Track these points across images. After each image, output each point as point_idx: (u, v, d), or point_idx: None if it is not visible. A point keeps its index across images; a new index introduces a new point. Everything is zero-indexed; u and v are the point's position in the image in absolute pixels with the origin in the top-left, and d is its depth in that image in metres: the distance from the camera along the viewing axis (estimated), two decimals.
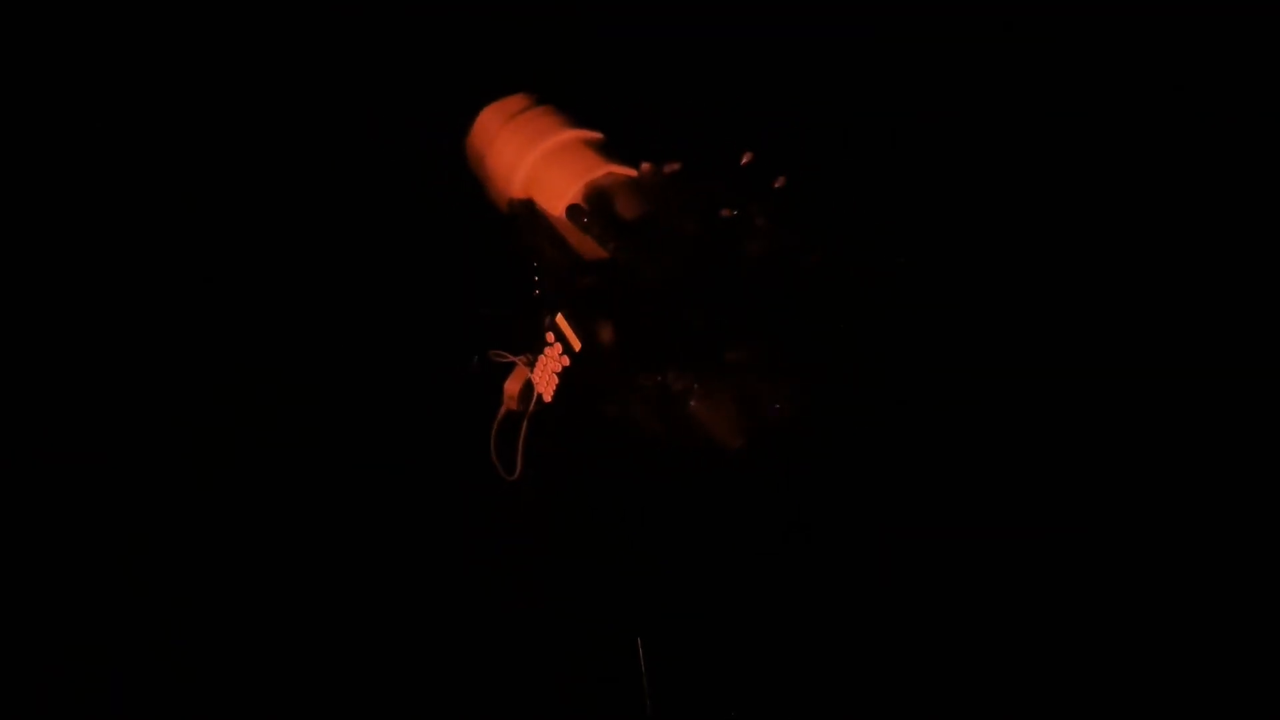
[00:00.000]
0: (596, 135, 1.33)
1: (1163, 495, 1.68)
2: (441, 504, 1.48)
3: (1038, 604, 1.61)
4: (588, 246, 1.19)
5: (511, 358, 1.25)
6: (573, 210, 1.16)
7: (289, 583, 1.55)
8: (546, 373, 1.19)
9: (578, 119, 1.34)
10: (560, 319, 1.14)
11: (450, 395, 1.39)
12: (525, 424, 1.24)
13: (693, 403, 1.09)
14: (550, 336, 1.16)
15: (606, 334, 1.11)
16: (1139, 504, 1.68)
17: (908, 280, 1.52)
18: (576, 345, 1.13)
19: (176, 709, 1.48)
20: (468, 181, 1.37)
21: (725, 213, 1.18)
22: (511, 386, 1.26)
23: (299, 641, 1.53)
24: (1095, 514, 1.67)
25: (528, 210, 1.31)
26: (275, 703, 1.49)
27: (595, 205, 1.21)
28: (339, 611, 1.54)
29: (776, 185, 1.21)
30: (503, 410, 1.28)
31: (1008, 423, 1.65)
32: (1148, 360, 1.72)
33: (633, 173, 1.23)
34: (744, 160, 1.23)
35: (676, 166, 1.18)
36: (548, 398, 1.20)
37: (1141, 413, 1.71)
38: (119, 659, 1.50)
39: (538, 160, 1.29)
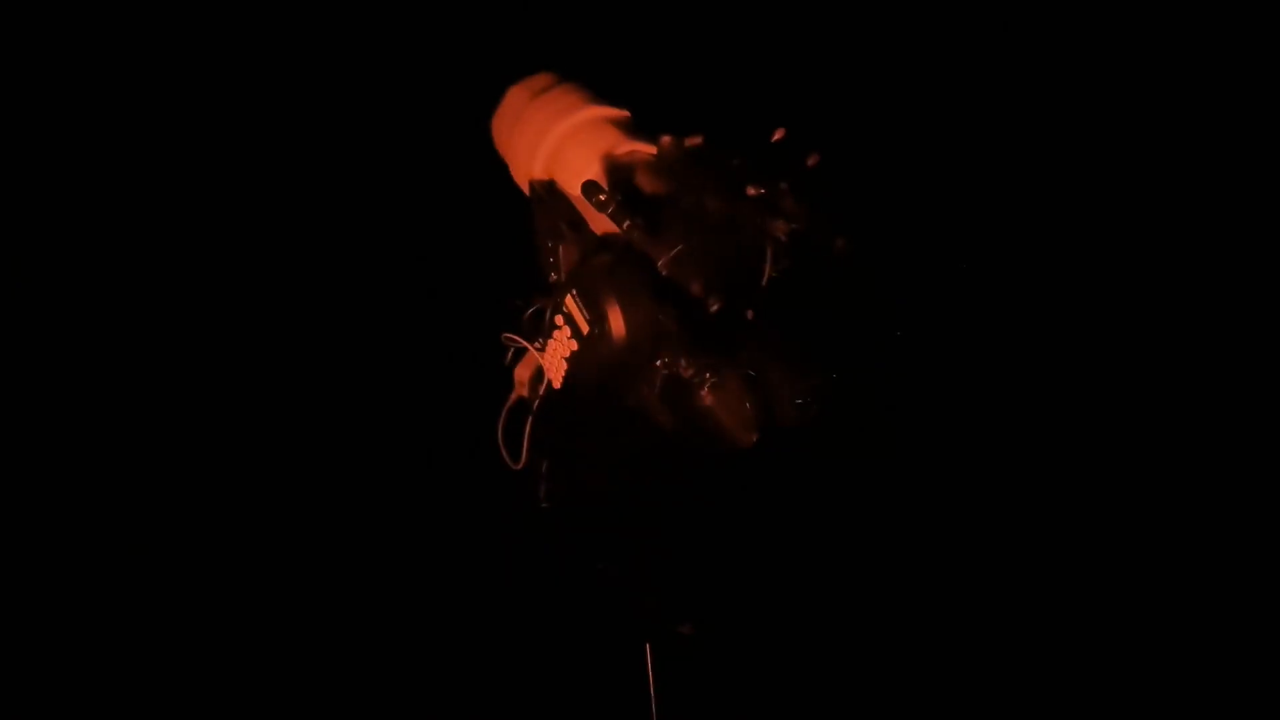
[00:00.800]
0: (621, 113, 1.27)
1: (1200, 506, 1.62)
2: (449, 493, 1.44)
3: (1061, 603, 1.53)
4: (605, 226, 1.13)
5: (523, 342, 1.19)
6: (588, 186, 1.10)
7: (288, 570, 1.54)
8: (556, 358, 1.13)
9: (602, 96, 1.28)
10: (570, 301, 1.08)
11: (472, 382, 1.34)
12: (533, 412, 1.18)
13: (703, 393, 1.01)
14: (560, 320, 1.10)
15: (616, 317, 1.04)
16: (1180, 511, 1.61)
17: (946, 272, 1.40)
18: (585, 329, 1.06)
19: (192, 705, 1.48)
20: (495, 164, 1.33)
21: (751, 191, 1.09)
22: (522, 373, 1.21)
23: (295, 631, 1.51)
24: (1127, 517, 1.58)
25: (548, 191, 1.26)
26: (276, 698, 1.48)
27: (614, 182, 1.15)
28: (341, 602, 1.52)
29: (810, 163, 1.12)
30: (513, 397, 1.22)
31: (1036, 422, 1.54)
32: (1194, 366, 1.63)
33: (655, 150, 1.16)
34: (775, 136, 1.15)
35: (699, 140, 1.10)
36: (557, 384, 1.14)
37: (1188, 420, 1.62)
38: (135, 657, 1.51)
39: (559, 138, 1.23)
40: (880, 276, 1.07)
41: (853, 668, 1.44)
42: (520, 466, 1.19)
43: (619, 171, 1.15)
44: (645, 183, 1.14)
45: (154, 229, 1.61)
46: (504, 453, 1.21)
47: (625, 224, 1.07)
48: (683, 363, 1.02)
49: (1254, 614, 1.57)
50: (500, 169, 1.31)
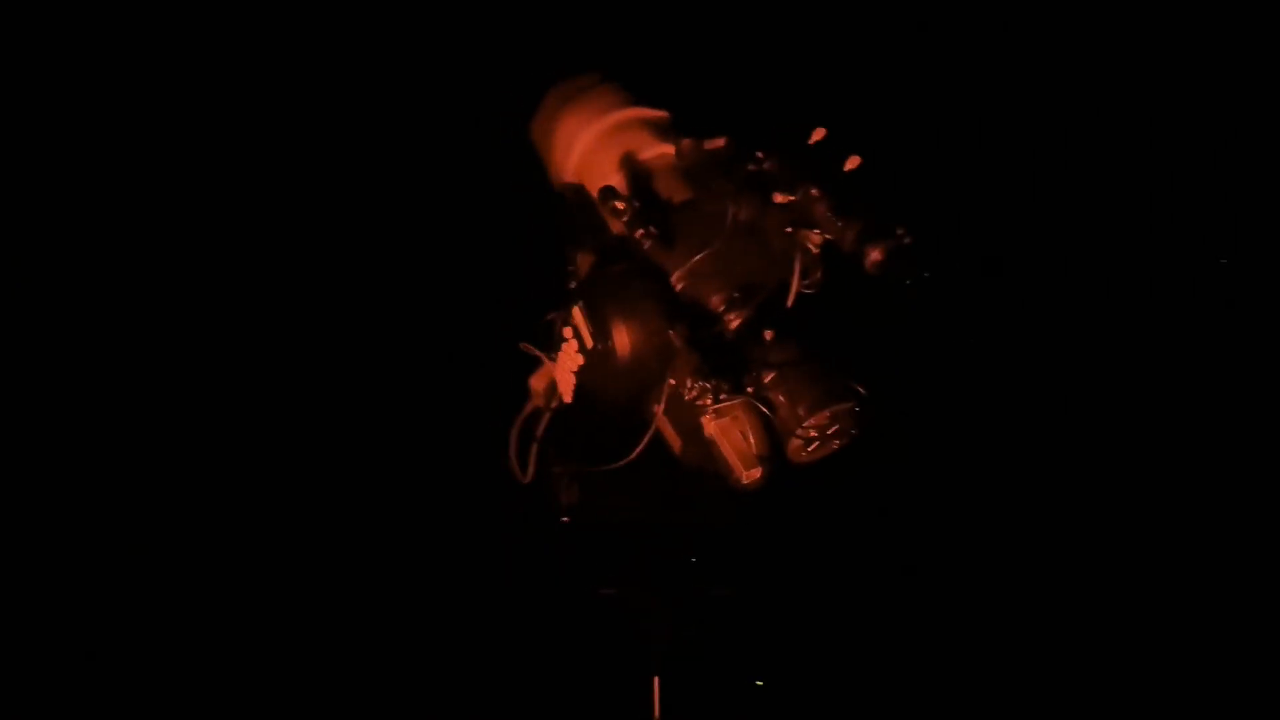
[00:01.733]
0: (657, 114, 1.20)
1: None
2: (461, 504, 1.42)
3: (1071, 616, 1.52)
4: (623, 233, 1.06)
5: (538, 353, 1.15)
6: (604, 192, 1.04)
7: (296, 577, 1.53)
8: (566, 371, 1.08)
9: (644, 97, 1.21)
10: (577, 313, 1.02)
11: (493, 391, 1.31)
12: (543, 425, 1.14)
13: (705, 418, 0.92)
14: (568, 332, 1.05)
15: (619, 333, 0.97)
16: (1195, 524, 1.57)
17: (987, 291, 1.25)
18: (589, 343, 1.00)
19: (193, 707, 1.49)
20: (532, 168, 1.30)
21: (779, 197, 1.00)
22: (537, 383, 1.16)
23: (304, 641, 1.51)
24: (1137, 525, 1.55)
25: (577, 195, 1.21)
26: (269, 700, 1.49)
27: (634, 188, 1.09)
28: (350, 612, 1.50)
29: (847, 168, 1.01)
30: (529, 407, 1.19)
31: (1049, 432, 1.44)
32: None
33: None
34: (814, 137, 1.04)
35: (720, 143, 1.01)
36: (567, 398, 1.09)
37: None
38: (136, 658, 1.50)
39: (591, 141, 1.18)
40: (921, 294, 0.94)
41: (868, 693, 1.37)
42: (527, 481, 1.15)
43: (640, 176, 1.09)
44: (664, 188, 1.07)
45: (206, 239, 1.63)
46: (514, 465, 1.17)
47: (638, 232, 1.00)
48: (687, 384, 0.94)
49: (1254, 614, 1.56)
50: (536, 172, 1.28)
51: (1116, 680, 1.54)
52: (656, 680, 1.14)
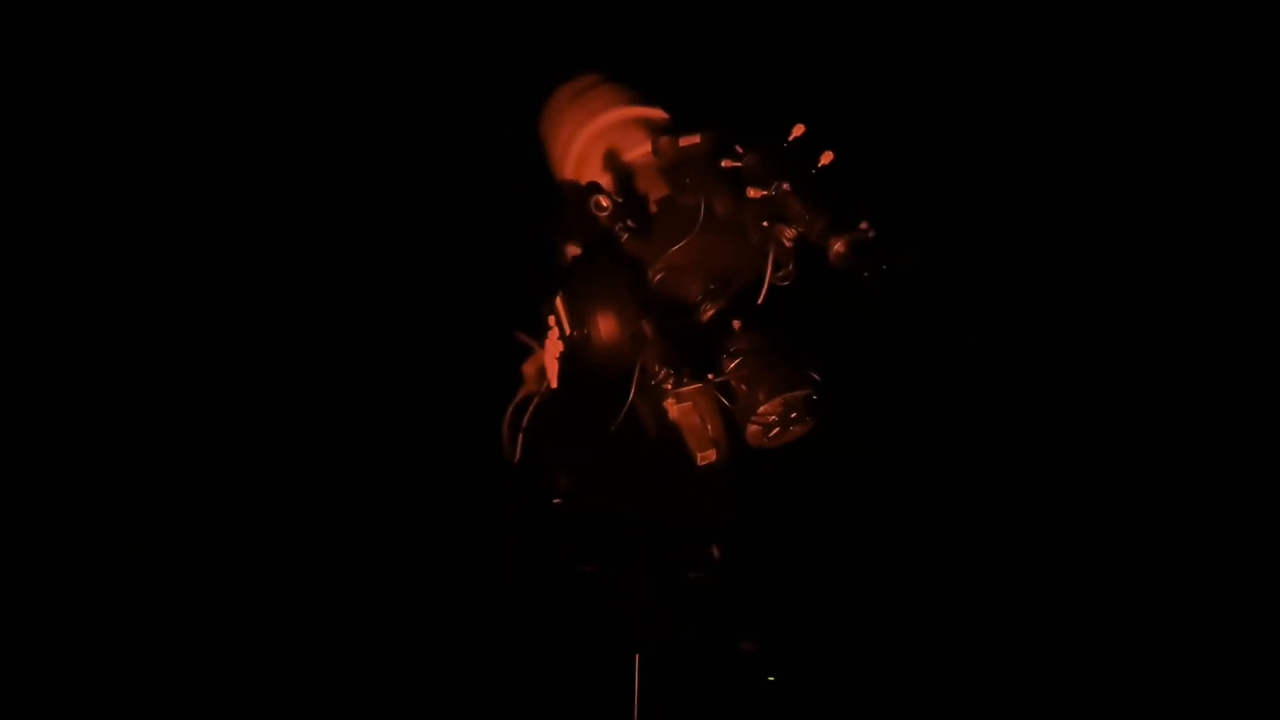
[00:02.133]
0: (654, 113, 1.24)
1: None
2: (457, 488, 1.47)
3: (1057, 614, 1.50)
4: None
5: (530, 341, 1.21)
6: (588, 188, 1.09)
7: (293, 563, 1.56)
8: (551, 358, 1.14)
9: (642, 96, 1.26)
10: (559, 302, 1.08)
11: (491, 377, 1.37)
12: (531, 409, 1.20)
13: (668, 402, 0.97)
14: (551, 321, 1.11)
15: (593, 321, 1.03)
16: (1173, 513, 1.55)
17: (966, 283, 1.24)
18: (567, 331, 1.06)
19: (192, 706, 1.49)
20: (533, 165, 1.35)
21: (752, 193, 1.03)
22: (529, 368, 1.23)
23: (295, 624, 1.55)
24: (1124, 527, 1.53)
25: (574, 191, 1.27)
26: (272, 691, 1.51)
27: (619, 185, 1.14)
28: (343, 596, 1.54)
29: (822, 163, 1.03)
30: (522, 392, 1.25)
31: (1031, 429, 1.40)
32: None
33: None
34: (793, 134, 1.07)
35: (695, 139, 1.05)
36: (553, 383, 1.15)
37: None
38: (135, 657, 1.51)
39: (586, 140, 1.24)
40: (891, 287, 0.96)
41: (848, 681, 1.38)
42: (516, 461, 1.21)
43: (625, 174, 1.14)
44: (647, 185, 1.12)
45: (202, 228, 1.64)
46: (506, 447, 1.23)
47: (618, 227, 1.05)
48: (654, 370, 0.99)
49: (1254, 614, 1.54)
50: (535, 168, 1.34)
51: (1101, 667, 1.54)
52: (637, 658, 1.18)
